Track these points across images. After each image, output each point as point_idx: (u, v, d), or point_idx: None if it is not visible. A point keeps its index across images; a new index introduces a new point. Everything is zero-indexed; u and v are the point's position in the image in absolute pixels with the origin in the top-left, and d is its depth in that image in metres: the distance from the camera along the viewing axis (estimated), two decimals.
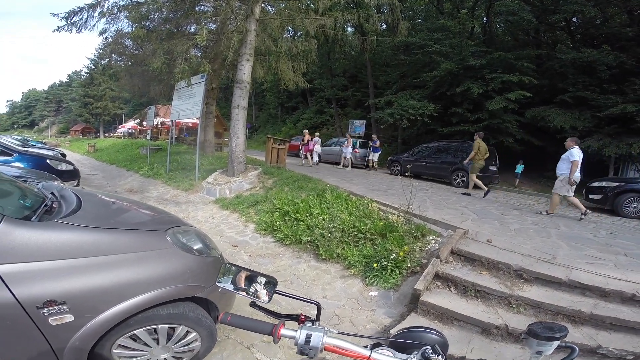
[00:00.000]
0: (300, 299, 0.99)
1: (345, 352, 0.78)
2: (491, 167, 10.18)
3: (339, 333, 0.81)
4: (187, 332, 1.85)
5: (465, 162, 8.00)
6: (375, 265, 3.51)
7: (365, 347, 0.81)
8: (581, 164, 5.67)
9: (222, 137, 20.16)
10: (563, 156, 5.87)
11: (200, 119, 9.07)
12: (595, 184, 7.52)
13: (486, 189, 7.81)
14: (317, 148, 12.70)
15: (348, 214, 4.56)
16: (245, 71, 7.67)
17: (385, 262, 3.47)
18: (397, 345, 0.86)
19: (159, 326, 1.74)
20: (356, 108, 22.79)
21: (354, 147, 13.28)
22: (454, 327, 2.79)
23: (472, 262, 3.42)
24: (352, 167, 13.13)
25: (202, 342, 1.93)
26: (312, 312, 0.91)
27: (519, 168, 12.60)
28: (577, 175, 5.67)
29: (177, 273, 1.80)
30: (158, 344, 1.79)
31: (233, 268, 1.01)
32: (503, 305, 2.91)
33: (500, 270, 3.25)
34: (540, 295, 2.90)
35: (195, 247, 2.05)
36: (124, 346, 1.70)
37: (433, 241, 3.87)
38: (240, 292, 0.96)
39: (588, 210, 6.15)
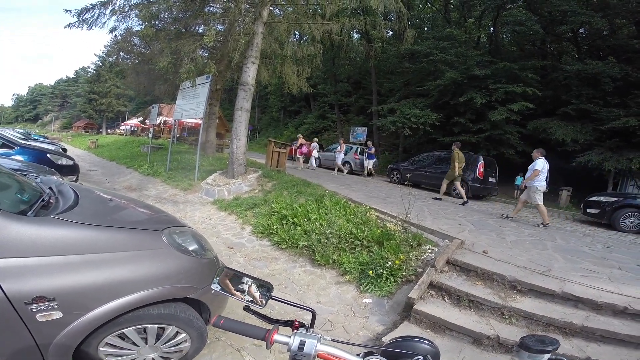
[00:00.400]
0: (295, 305, 0.97)
1: (337, 359, 0.78)
2: (490, 179, 10.14)
3: (332, 340, 0.81)
4: (177, 332, 1.83)
5: (456, 173, 8.09)
6: (370, 272, 3.50)
7: (358, 355, 0.81)
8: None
9: (223, 139, 20.25)
10: (529, 167, 6.33)
11: (203, 119, 9.11)
12: (594, 198, 7.52)
13: (441, 197, 8.24)
14: (315, 153, 12.78)
15: (346, 220, 4.56)
16: (250, 73, 7.71)
17: (381, 270, 3.46)
18: (389, 354, 0.86)
19: (149, 326, 1.72)
20: (358, 114, 22.84)
21: (346, 153, 13.26)
22: (445, 337, 2.79)
23: (467, 272, 3.42)
24: (352, 173, 13.12)
25: (191, 343, 1.91)
26: (306, 318, 0.91)
27: (519, 180, 12.51)
28: (543, 184, 6.11)
29: (170, 273, 1.78)
30: (146, 343, 1.77)
31: (233, 274, 1.00)
32: (496, 315, 2.91)
33: (494, 281, 3.25)
34: (533, 307, 2.90)
35: (191, 248, 2.04)
36: (111, 344, 1.68)
37: (429, 250, 3.87)
38: (235, 296, 0.96)
39: (514, 217, 6.71)
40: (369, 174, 13.09)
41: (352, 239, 4.14)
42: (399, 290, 3.38)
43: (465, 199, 8.09)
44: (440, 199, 8.26)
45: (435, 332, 2.82)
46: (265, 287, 0.96)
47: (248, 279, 0.98)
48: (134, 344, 1.74)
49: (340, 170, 12.57)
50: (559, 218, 8.62)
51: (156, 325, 1.74)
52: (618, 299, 2.90)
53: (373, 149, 12.99)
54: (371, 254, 3.84)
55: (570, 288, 3.04)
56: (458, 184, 8.27)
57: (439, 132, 14.28)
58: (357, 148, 14.43)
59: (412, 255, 3.71)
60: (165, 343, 1.83)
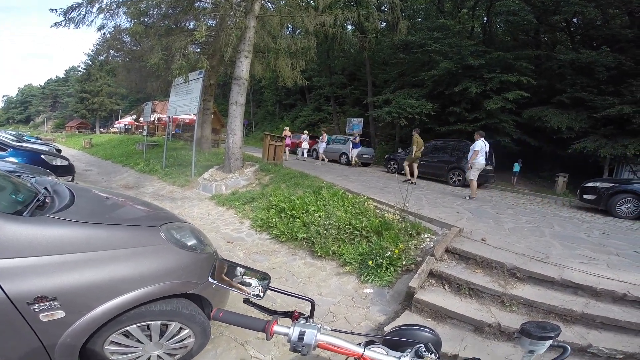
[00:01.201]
0: (294, 296, 0.98)
1: (338, 349, 0.78)
2: (487, 167, 10.19)
3: (332, 330, 0.81)
4: (181, 328, 1.84)
5: (414, 156, 8.78)
6: (370, 262, 3.51)
7: (359, 344, 0.80)
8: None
9: (219, 134, 20.13)
10: (470, 147, 7.18)
11: (198, 115, 9.04)
12: (590, 184, 7.52)
13: (415, 181, 8.82)
14: (305, 144, 13.10)
15: (344, 211, 4.56)
16: (243, 68, 7.65)
17: (380, 260, 3.47)
18: (391, 342, 0.87)
19: (152, 322, 1.73)
20: (354, 106, 22.82)
21: (328, 143, 13.61)
22: (447, 325, 2.79)
23: (467, 260, 3.42)
24: (349, 164, 13.32)
25: (195, 338, 1.92)
26: (307, 309, 0.91)
27: (517, 167, 12.71)
28: (482, 162, 6.95)
29: (170, 269, 1.78)
30: (151, 340, 1.78)
31: (226, 264, 1.00)
32: (496, 303, 2.91)
33: (494, 269, 3.24)
34: (533, 294, 2.90)
35: (190, 243, 2.03)
36: (116, 342, 1.69)
37: (428, 239, 3.87)
38: (233, 288, 0.96)
39: (477, 195, 7.18)
40: (353, 163, 13.23)
41: (351, 230, 4.13)
42: (399, 279, 3.39)
43: (410, 179, 8.85)
44: (414, 183, 8.78)
45: (436, 320, 2.82)
46: (264, 279, 0.96)
47: (245, 270, 0.98)
48: (138, 341, 1.74)
49: (322, 159, 13.06)
50: (556, 204, 8.69)
51: (159, 322, 1.75)
52: (617, 286, 2.89)
53: (358, 139, 13.16)
54: (370, 244, 3.85)
55: (569, 275, 3.04)
56: (415, 165, 8.95)
57: (434, 122, 14.35)
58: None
59: (411, 244, 3.72)
60: (170, 339, 1.84)
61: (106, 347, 1.66)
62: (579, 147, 11.46)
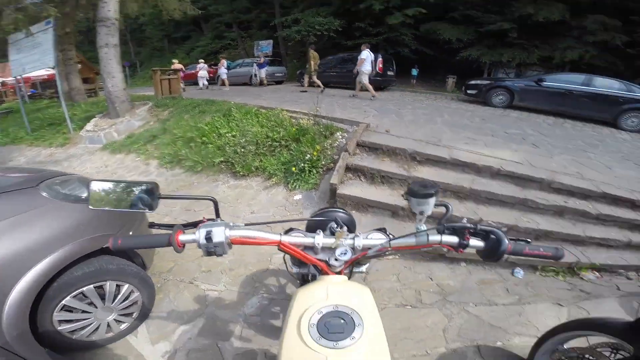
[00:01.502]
0: (190, 198, 0.91)
1: (254, 240, 0.75)
2: (389, 72, 11.17)
3: (246, 225, 0.77)
4: (118, 286, 1.69)
5: (312, 69, 9.68)
6: (293, 168, 3.56)
7: (279, 234, 0.79)
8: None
9: (95, 82, 16.91)
10: (358, 57, 7.82)
11: (57, 68, 7.21)
12: (473, 82, 8.99)
13: (322, 88, 9.31)
14: (203, 73, 12.17)
15: (260, 126, 4.42)
16: (110, 8, 6.48)
17: (302, 164, 3.54)
18: (309, 226, 0.91)
19: (84, 289, 1.56)
20: (261, 29, 21.19)
21: (228, 68, 12.96)
22: (369, 214, 3.03)
23: (375, 151, 3.68)
24: (262, 84, 12.92)
25: (140, 292, 1.81)
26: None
27: (414, 72, 14.50)
28: (368, 68, 7.72)
29: (70, 228, 1.54)
30: (96, 307, 1.64)
31: (107, 185, 0.84)
32: (404, 187, 3.19)
33: (398, 155, 3.55)
34: (431, 174, 3.25)
35: (84, 195, 1.74)
36: (64, 320, 1.55)
37: (341, 137, 4.06)
38: (119, 208, 0.83)
39: (357, 94, 8.27)
40: (261, 83, 13.00)
41: (269, 142, 4.08)
42: (322, 180, 3.54)
43: (322, 87, 9.41)
44: (306, 92, 9.38)
45: (360, 211, 3.05)
46: (151, 189, 0.83)
47: (127, 185, 0.85)
48: (83, 311, 1.60)
49: (223, 84, 12.36)
50: (447, 99, 10.07)
51: (91, 286, 1.58)
52: (493, 162, 3.28)
53: (263, 59, 13.04)
54: (291, 152, 3.88)
55: (457, 154, 3.45)
56: (315, 76, 9.76)
57: (342, 37, 14.86)
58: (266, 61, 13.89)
59: (327, 144, 3.86)
60: (114, 300, 1.71)
61: (59, 328, 1.53)
62: (466, 54, 13.61)
